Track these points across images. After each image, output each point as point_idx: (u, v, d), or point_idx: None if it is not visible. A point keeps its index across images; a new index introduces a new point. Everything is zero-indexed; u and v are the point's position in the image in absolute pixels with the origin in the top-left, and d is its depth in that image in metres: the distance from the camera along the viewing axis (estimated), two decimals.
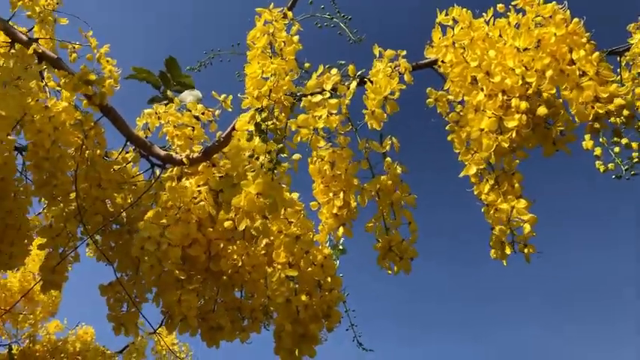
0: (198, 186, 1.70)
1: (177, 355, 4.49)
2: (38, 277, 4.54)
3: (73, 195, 1.75)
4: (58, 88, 1.70)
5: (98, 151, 1.74)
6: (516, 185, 1.40)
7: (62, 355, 4.30)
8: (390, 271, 1.46)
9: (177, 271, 1.56)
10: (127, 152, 1.99)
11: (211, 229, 1.71)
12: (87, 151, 1.70)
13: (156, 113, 1.85)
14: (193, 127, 1.81)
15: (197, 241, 1.66)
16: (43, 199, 2.10)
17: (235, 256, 1.66)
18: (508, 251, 1.36)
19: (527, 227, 1.33)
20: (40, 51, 1.73)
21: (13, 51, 1.75)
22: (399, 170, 1.54)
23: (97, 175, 1.75)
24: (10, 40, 1.76)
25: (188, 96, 2.15)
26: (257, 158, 1.41)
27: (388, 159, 1.55)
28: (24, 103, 1.52)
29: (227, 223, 1.62)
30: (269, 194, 1.31)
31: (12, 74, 1.44)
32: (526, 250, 1.33)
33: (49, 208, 1.92)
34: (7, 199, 1.94)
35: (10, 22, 1.83)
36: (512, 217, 1.35)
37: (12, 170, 1.95)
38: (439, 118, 1.56)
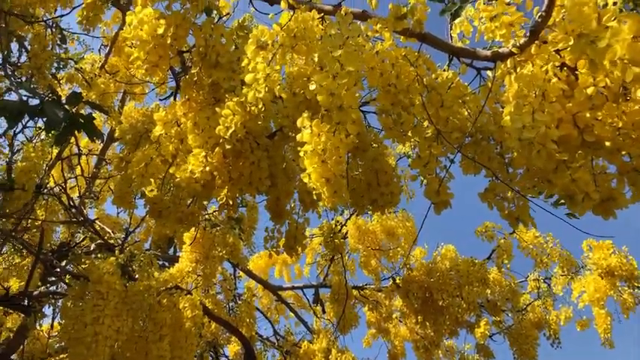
0: (541, 67, 1.65)
1: (544, 246, 4.53)
2: (393, 216, 5.06)
3: (425, 123, 1.86)
4: (377, 34, 1.82)
5: (433, 75, 1.81)
6: None
7: (437, 273, 4.72)
8: None
9: (556, 154, 1.54)
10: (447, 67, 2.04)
11: (570, 105, 1.64)
12: (424, 79, 1.79)
13: (466, 18, 1.83)
14: (508, 13, 1.74)
15: (561, 120, 1.61)
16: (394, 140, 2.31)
17: (610, 120, 1.56)
18: None
19: None
20: (349, 11, 1.87)
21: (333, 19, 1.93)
22: None
23: (439, 97, 1.83)
24: (321, 15, 1.95)
25: None
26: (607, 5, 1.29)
27: None
28: (360, 57, 1.67)
29: (591, 90, 1.53)
30: None
31: (342, 37, 1.60)
32: None
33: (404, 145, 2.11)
34: (368, 149, 2.19)
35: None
36: None
37: (362, 123, 2.19)
38: None
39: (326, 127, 1.57)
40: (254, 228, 5.23)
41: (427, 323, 4.96)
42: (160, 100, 5.13)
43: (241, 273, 5.85)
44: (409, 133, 2.02)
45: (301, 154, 1.63)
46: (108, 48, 4.58)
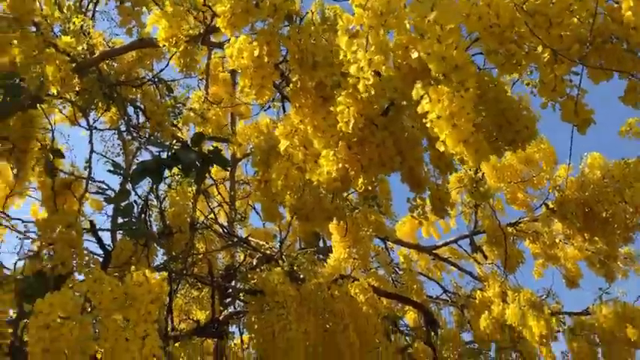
0: None
1: None
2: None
3: (538, 48, 1.80)
4: None
5: None
6: None
7: (590, 186, 4.47)
8: None
9: None
10: None
11: None
12: (523, 6, 1.72)
13: None
14: None
15: None
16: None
17: None
18: None
19: None
20: None
21: None
22: None
23: (545, 17, 1.75)
24: None
25: None
26: None
27: None
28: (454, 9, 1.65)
29: None
30: None
31: None
32: None
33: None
34: (487, 92, 2.15)
35: None
36: None
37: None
38: None
39: (443, 90, 1.56)
40: (389, 198, 5.28)
41: (596, 238, 4.71)
42: (264, 111, 5.34)
43: (391, 244, 5.95)
44: (523, 62, 1.94)
45: (428, 124, 1.64)
46: (205, 81, 4.85)
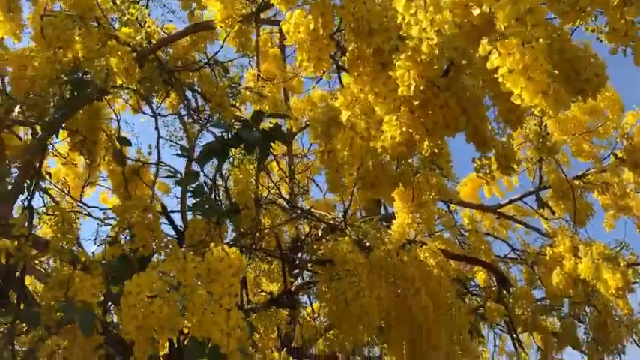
0: None
1: None
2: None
3: None
4: None
5: None
6: None
7: None
8: None
9: None
10: None
11: None
12: None
13: None
14: None
15: None
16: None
17: None
18: None
19: None
20: None
21: None
22: None
23: None
24: None
25: None
26: None
27: None
28: None
29: None
30: None
31: None
32: None
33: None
34: (553, 43, 2.08)
35: None
36: None
37: None
38: None
39: (512, 44, 1.54)
40: (449, 161, 5.22)
41: None
42: (317, 83, 5.37)
43: (454, 206, 5.90)
44: (588, 8, 1.88)
45: (499, 79, 1.62)
46: (256, 58, 4.89)
